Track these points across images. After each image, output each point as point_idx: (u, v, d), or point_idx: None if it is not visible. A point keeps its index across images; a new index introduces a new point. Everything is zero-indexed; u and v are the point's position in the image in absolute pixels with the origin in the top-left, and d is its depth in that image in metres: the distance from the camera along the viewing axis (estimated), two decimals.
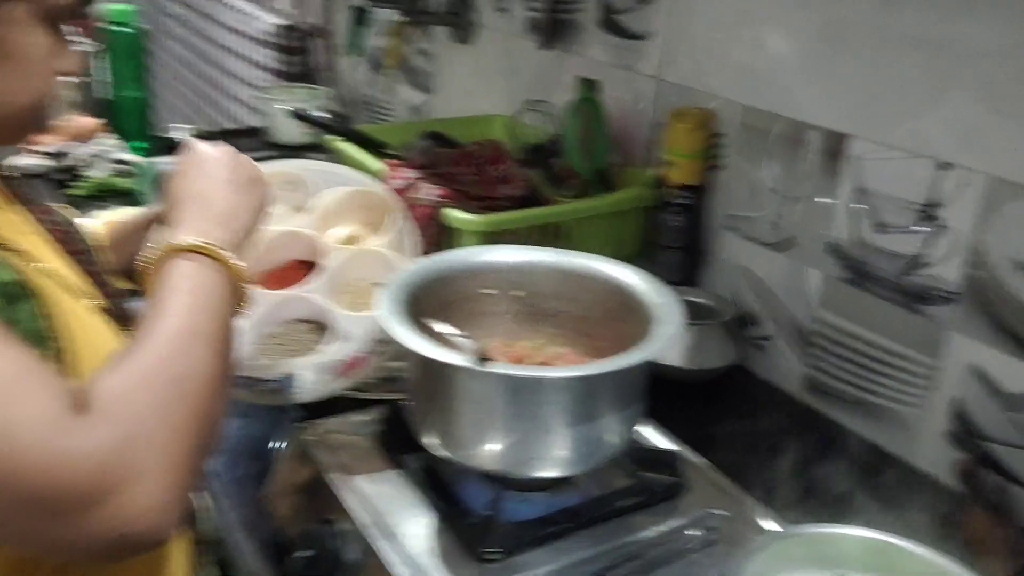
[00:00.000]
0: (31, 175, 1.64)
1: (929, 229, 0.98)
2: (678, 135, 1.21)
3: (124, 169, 1.72)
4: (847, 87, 1.04)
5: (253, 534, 0.88)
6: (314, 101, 1.98)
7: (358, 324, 0.92)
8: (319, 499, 0.85)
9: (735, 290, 1.23)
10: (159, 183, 1.74)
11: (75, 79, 0.73)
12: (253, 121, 2.44)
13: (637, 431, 0.87)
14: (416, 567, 0.76)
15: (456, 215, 1.19)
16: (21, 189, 0.79)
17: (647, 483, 0.86)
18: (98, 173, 1.69)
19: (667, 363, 1.12)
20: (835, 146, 1.06)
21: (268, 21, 2.38)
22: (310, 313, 0.96)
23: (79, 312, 0.71)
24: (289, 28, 2.34)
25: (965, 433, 0.98)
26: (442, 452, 0.81)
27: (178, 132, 1.98)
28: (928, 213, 0.98)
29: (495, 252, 0.95)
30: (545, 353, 0.95)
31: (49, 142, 1.69)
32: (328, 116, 1.56)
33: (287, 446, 0.94)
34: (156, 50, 3.06)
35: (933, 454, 1.02)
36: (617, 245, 1.29)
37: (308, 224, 0.98)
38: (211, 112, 2.80)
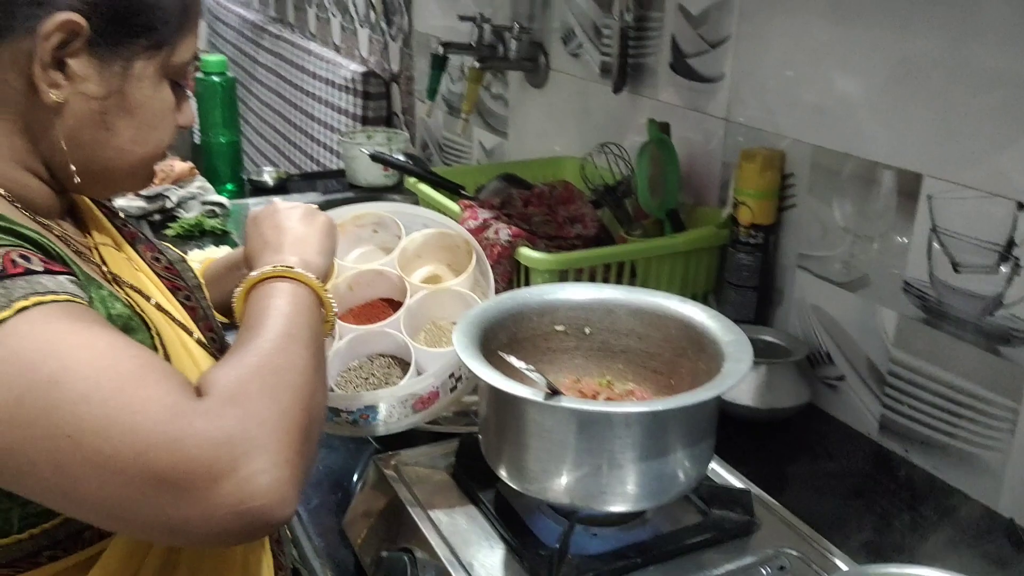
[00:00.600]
0: (131, 217, 1.75)
1: (1008, 269, 0.96)
2: (748, 175, 1.22)
3: (214, 210, 1.82)
4: (921, 126, 1.04)
5: (332, 562, 0.92)
6: (393, 144, 2.06)
7: (435, 360, 0.96)
8: (395, 528, 0.88)
9: (807, 329, 1.23)
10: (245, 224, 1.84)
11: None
12: (335, 164, 2.54)
13: (708, 468, 0.88)
14: None
15: (529, 253, 1.22)
16: (133, 230, 0.86)
17: (718, 520, 0.86)
18: (190, 214, 1.79)
19: (738, 402, 1.12)
20: (909, 185, 1.06)
21: (351, 68, 2.48)
22: (391, 348, 1.00)
23: (183, 343, 0.77)
24: (370, 75, 2.44)
25: None
26: (514, 485, 0.83)
27: (265, 175, 2.09)
28: (1007, 253, 0.96)
29: (566, 289, 0.97)
30: (614, 390, 0.96)
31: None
32: (407, 159, 1.62)
33: (365, 477, 0.97)
34: (245, 97, 3.22)
35: (1012, 498, 0.99)
36: (688, 284, 1.31)
37: (392, 263, 1.03)
38: (295, 155, 2.92)
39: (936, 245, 1.04)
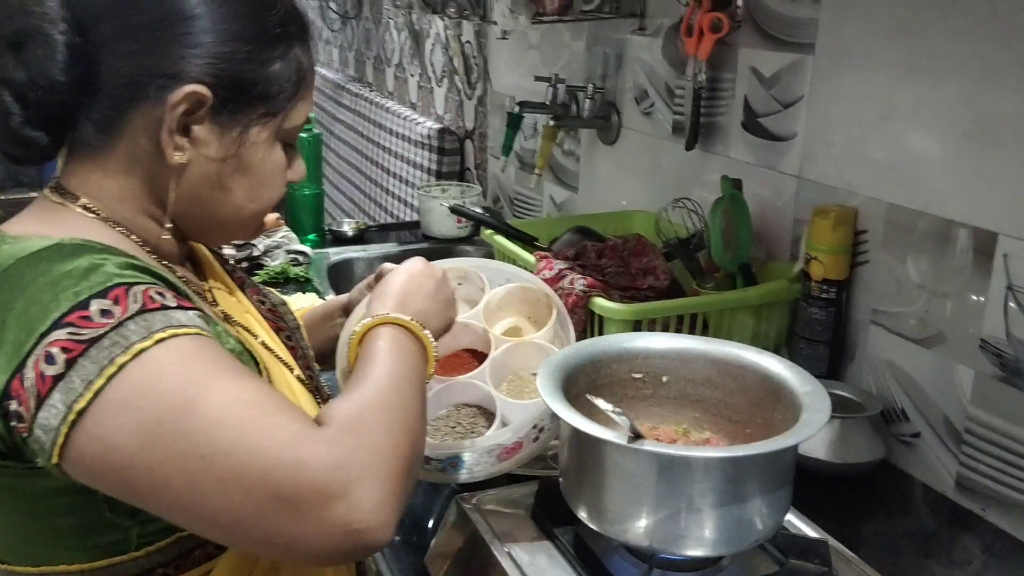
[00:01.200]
0: None
1: None
2: (820, 231, 1.24)
3: (298, 259, 1.90)
4: (995, 184, 1.05)
5: None
6: (466, 198, 2.13)
7: (519, 411, 0.99)
8: (476, 565, 0.91)
9: (881, 385, 1.23)
10: (329, 272, 1.92)
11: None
12: (410, 216, 2.63)
13: (785, 519, 0.89)
14: None
15: (603, 303, 1.26)
16: (241, 275, 0.93)
17: (795, 570, 0.87)
18: (276, 262, 1.88)
19: (813, 455, 1.13)
20: (984, 244, 1.07)
21: (427, 125, 2.59)
22: (477, 398, 1.04)
23: (287, 380, 0.83)
24: (445, 131, 2.53)
25: None
26: (593, 526, 0.85)
27: (345, 225, 2.18)
28: None
29: (645, 338, 1.00)
30: (690, 438, 0.99)
31: None
32: (483, 212, 1.68)
33: (447, 515, 1.01)
34: (325, 152, 3.36)
35: None
36: (759, 337, 1.32)
37: (477, 316, 1.08)
38: (371, 208, 3.03)
39: (1012, 304, 1.04)
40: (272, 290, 0.98)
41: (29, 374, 0.61)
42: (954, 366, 1.12)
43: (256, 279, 1.81)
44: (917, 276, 1.17)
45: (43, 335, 0.62)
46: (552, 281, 1.34)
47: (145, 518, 0.68)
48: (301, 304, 1.63)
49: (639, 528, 0.82)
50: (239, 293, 0.89)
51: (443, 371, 1.06)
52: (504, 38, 1.92)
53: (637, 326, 1.25)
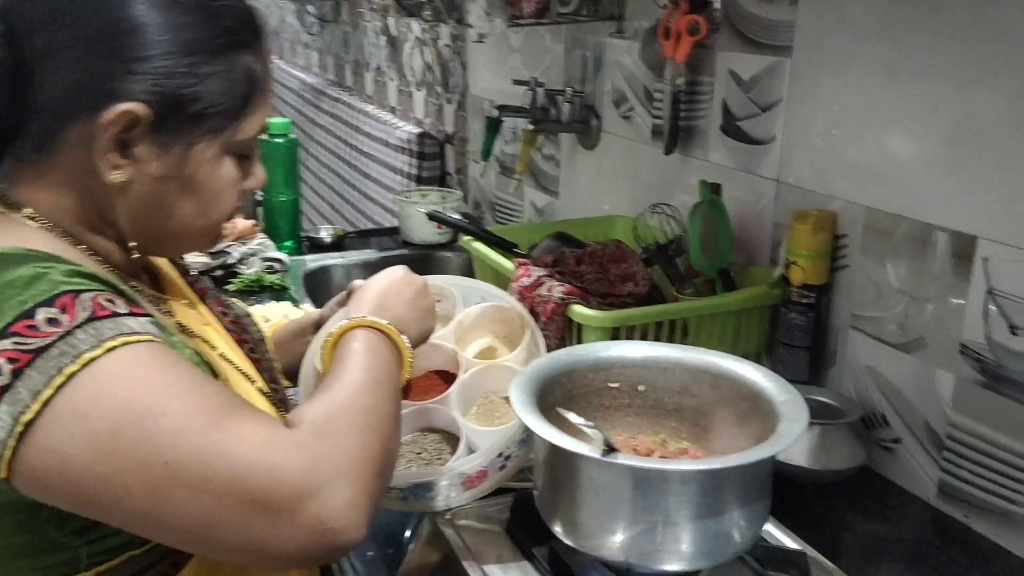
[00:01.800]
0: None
1: None
2: (800, 236, 1.23)
3: (274, 266, 1.88)
4: (975, 188, 1.04)
5: None
6: (447, 203, 2.11)
7: (485, 438, 0.97)
8: None
9: (862, 390, 1.22)
10: (306, 279, 1.89)
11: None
12: (389, 222, 2.61)
13: (763, 529, 0.88)
14: None
15: (581, 311, 1.24)
16: (203, 286, 0.91)
17: None
18: (251, 270, 1.85)
19: (793, 462, 1.12)
20: (964, 248, 1.06)
21: (406, 130, 2.56)
22: (444, 423, 1.01)
23: (248, 393, 0.81)
24: (425, 136, 2.51)
25: None
26: (568, 541, 0.84)
27: (323, 232, 2.15)
28: None
29: (621, 347, 0.99)
30: (668, 448, 0.97)
31: None
32: (462, 217, 1.66)
33: (420, 531, 0.99)
34: (303, 157, 3.33)
35: None
36: (739, 343, 1.31)
37: (448, 337, 1.05)
38: (351, 214, 3.00)
39: (992, 307, 1.03)
40: (237, 301, 0.95)
41: None
42: (934, 371, 1.11)
43: (231, 287, 1.79)
44: (897, 281, 1.16)
45: None
46: (530, 288, 1.33)
47: (94, 536, 0.66)
48: (276, 313, 1.61)
49: (615, 543, 0.80)
50: (200, 306, 0.86)
51: (412, 393, 1.03)
52: (480, 41, 1.90)
53: (616, 333, 1.23)
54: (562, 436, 0.79)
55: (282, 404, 0.88)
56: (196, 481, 0.59)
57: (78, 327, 0.61)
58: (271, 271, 1.86)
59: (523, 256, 1.49)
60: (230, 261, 1.85)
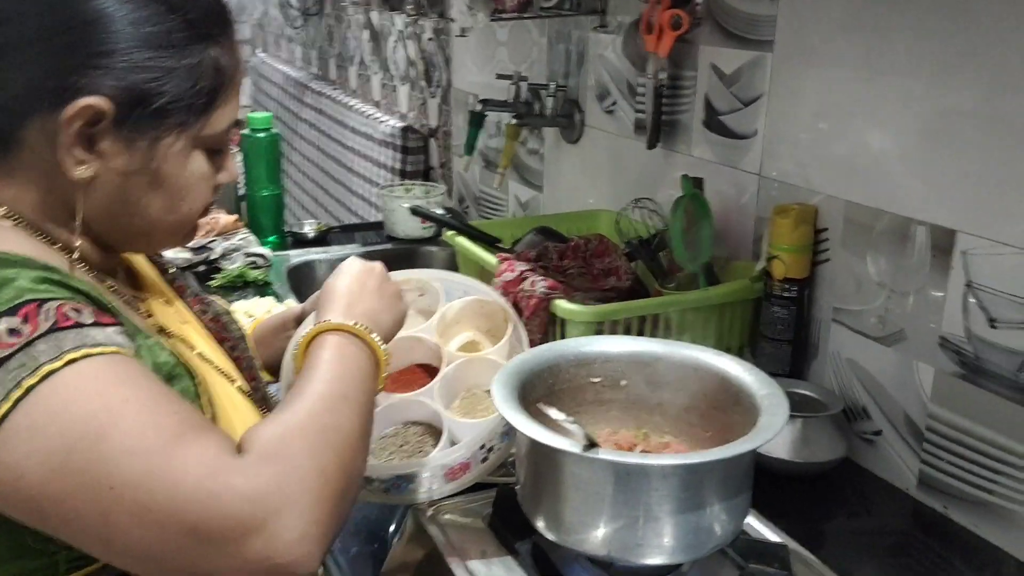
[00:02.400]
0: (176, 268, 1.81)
1: None
2: (781, 230, 1.24)
3: (257, 262, 1.87)
4: (954, 182, 1.05)
5: None
6: (431, 197, 2.11)
7: (467, 430, 0.97)
8: None
9: (843, 383, 1.23)
10: (289, 275, 1.88)
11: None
12: (374, 216, 2.60)
13: (745, 522, 0.88)
14: None
15: (564, 306, 1.24)
16: (182, 284, 0.90)
17: (755, 575, 0.86)
18: (234, 265, 1.84)
19: (774, 455, 1.12)
20: (943, 241, 1.07)
21: (390, 124, 2.55)
22: (426, 416, 1.01)
23: (227, 392, 0.80)
24: (409, 130, 2.50)
25: None
26: (551, 536, 0.84)
27: (306, 227, 2.15)
28: None
29: (603, 342, 0.99)
30: (650, 442, 0.97)
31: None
32: (445, 212, 1.66)
33: (403, 527, 0.99)
34: (286, 151, 3.32)
35: None
36: (723, 337, 1.32)
37: (430, 330, 1.05)
38: (335, 208, 2.99)
39: (972, 300, 1.04)
40: (217, 299, 0.95)
41: None
42: (914, 364, 1.12)
43: (213, 283, 1.78)
44: (877, 274, 1.16)
45: None
46: (513, 283, 1.32)
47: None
48: (259, 308, 1.60)
49: (597, 537, 0.80)
50: (178, 303, 0.86)
51: (394, 387, 1.04)
52: (463, 35, 1.89)
53: (599, 328, 1.23)
54: (543, 432, 0.79)
55: (263, 402, 0.88)
56: (139, 508, 0.58)
57: (39, 337, 0.60)
58: (254, 266, 1.85)
59: (506, 251, 1.49)
60: (212, 256, 1.84)
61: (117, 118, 0.68)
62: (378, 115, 2.69)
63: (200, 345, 0.83)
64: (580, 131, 1.78)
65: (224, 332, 0.88)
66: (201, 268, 1.83)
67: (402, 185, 2.25)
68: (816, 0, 1.21)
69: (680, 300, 1.30)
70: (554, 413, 0.77)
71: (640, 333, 1.26)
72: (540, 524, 0.84)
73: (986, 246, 1.02)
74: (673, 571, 0.86)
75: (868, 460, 1.20)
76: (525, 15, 1.65)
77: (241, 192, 2.05)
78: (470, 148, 1.89)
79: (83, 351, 0.61)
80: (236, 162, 0.80)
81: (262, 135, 2.02)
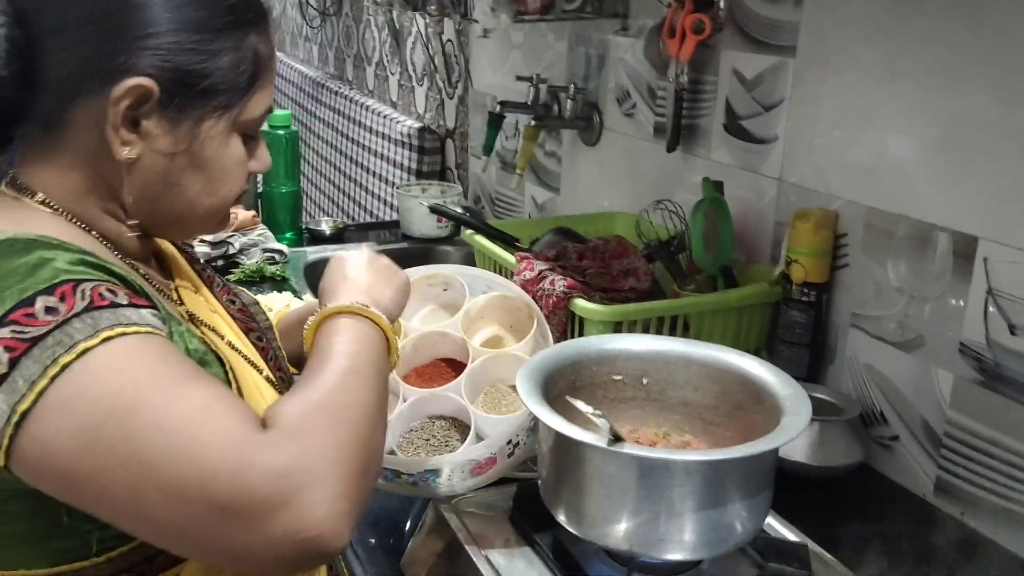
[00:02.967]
0: None
1: None
2: (801, 235, 1.24)
3: (274, 257, 1.88)
4: (976, 188, 1.05)
5: None
6: (447, 197, 2.12)
7: (494, 425, 0.98)
8: (454, 569, 0.90)
9: (860, 388, 1.23)
10: (306, 271, 1.89)
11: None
12: (389, 215, 2.61)
13: (766, 522, 0.88)
14: None
15: (584, 305, 1.25)
16: (211, 275, 0.91)
17: (775, 574, 0.86)
18: (251, 260, 1.86)
19: (792, 458, 1.13)
20: (965, 247, 1.07)
21: (407, 124, 2.57)
22: (452, 411, 1.02)
23: (255, 381, 0.81)
24: (426, 130, 2.52)
25: None
26: (572, 529, 0.84)
27: (323, 224, 2.16)
28: None
29: (625, 340, 1.00)
30: (670, 441, 0.98)
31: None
32: (464, 211, 1.67)
33: (424, 518, 0.99)
34: (303, 150, 3.33)
35: None
36: (740, 340, 1.32)
37: (456, 326, 1.06)
38: (350, 207, 3.00)
39: (992, 308, 1.04)
40: (244, 290, 0.96)
41: None
42: (933, 370, 1.12)
43: (231, 277, 1.79)
44: (897, 280, 1.17)
45: None
46: (532, 282, 1.33)
47: (104, 523, 0.66)
48: (277, 303, 1.61)
49: (618, 532, 0.81)
50: (206, 292, 0.87)
51: (420, 381, 1.04)
52: (485, 37, 1.90)
53: (618, 327, 1.24)
54: (568, 425, 0.80)
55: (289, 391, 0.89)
56: (167, 483, 0.58)
57: (75, 316, 0.60)
58: (272, 262, 1.86)
59: (525, 250, 1.50)
60: (231, 251, 1.85)
61: (162, 99, 0.69)
62: (395, 115, 2.70)
63: (228, 334, 0.83)
64: (599, 133, 1.79)
65: (251, 322, 0.89)
66: (220, 263, 1.85)
67: (419, 184, 2.26)
68: (839, 7, 1.22)
69: (699, 302, 1.31)
70: (581, 406, 0.77)
71: (658, 334, 1.27)
72: (562, 517, 0.85)
73: (1008, 253, 1.02)
74: (693, 568, 0.86)
75: (885, 465, 1.20)
76: (547, 17, 1.65)
77: (259, 189, 2.06)
78: (488, 149, 1.90)
79: (118, 329, 0.61)
80: (266, 152, 0.82)
81: (281, 132, 2.04)
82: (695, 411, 0.97)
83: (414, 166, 2.51)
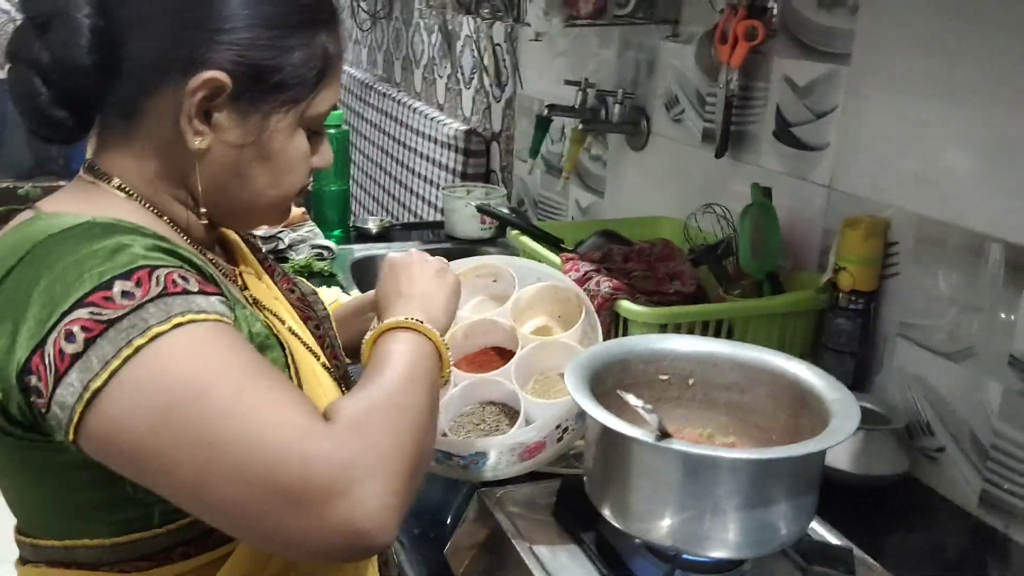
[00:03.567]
0: None
1: None
2: (850, 242, 1.24)
3: (322, 253, 1.92)
4: None
5: None
6: (491, 199, 2.14)
7: (543, 411, 0.99)
8: (498, 560, 0.91)
9: (907, 398, 1.22)
10: (353, 268, 1.93)
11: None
12: (433, 216, 2.64)
13: (810, 526, 0.89)
14: None
15: (629, 307, 1.26)
16: (272, 264, 0.94)
17: None
18: (300, 256, 1.89)
19: (836, 466, 1.12)
20: (1018, 259, 1.06)
21: (454, 127, 2.60)
22: (502, 396, 1.04)
23: (312, 367, 0.84)
24: (472, 133, 2.54)
25: None
26: (617, 524, 0.85)
27: (370, 222, 2.19)
28: None
29: (673, 340, 1.00)
30: (715, 442, 0.98)
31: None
32: (511, 212, 1.69)
33: (469, 509, 1.01)
34: (351, 150, 3.38)
35: None
36: (784, 346, 1.32)
37: (506, 314, 1.08)
38: (394, 207, 3.04)
39: None
40: (303, 280, 0.99)
41: (49, 351, 0.62)
42: (982, 381, 1.11)
43: None
44: (947, 290, 1.16)
45: (65, 313, 0.62)
46: (578, 283, 1.34)
47: None
48: (327, 297, 1.64)
49: (663, 528, 0.82)
50: (268, 279, 0.90)
51: (470, 368, 1.06)
52: (537, 40, 1.92)
53: (662, 330, 1.25)
54: (616, 420, 0.81)
55: (344, 380, 0.91)
56: (232, 466, 0.60)
57: (150, 301, 0.63)
58: (320, 258, 1.90)
59: (570, 252, 1.51)
60: (281, 247, 1.89)
61: (234, 92, 0.72)
62: (441, 118, 2.73)
63: (289, 320, 0.86)
64: (646, 138, 1.80)
65: (310, 311, 0.92)
66: (270, 257, 1.88)
67: (463, 186, 2.29)
68: (896, 16, 1.22)
69: (744, 307, 1.31)
70: (632, 399, 0.78)
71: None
72: (607, 512, 0.86)
73: None
74: (736, 567, 0.87)
75: (929, 477, 1.19)
76: (599, 22, 1.67)
77: (309, 187, 2.10)
78: (535, 152, 1.91)
79: (188, 316, 0.64)
80: (329, 149, 0.84)
81: (332, 131, 2.07)
82: (740, 413, 0.98)
83: (459, 168, 2.54)
